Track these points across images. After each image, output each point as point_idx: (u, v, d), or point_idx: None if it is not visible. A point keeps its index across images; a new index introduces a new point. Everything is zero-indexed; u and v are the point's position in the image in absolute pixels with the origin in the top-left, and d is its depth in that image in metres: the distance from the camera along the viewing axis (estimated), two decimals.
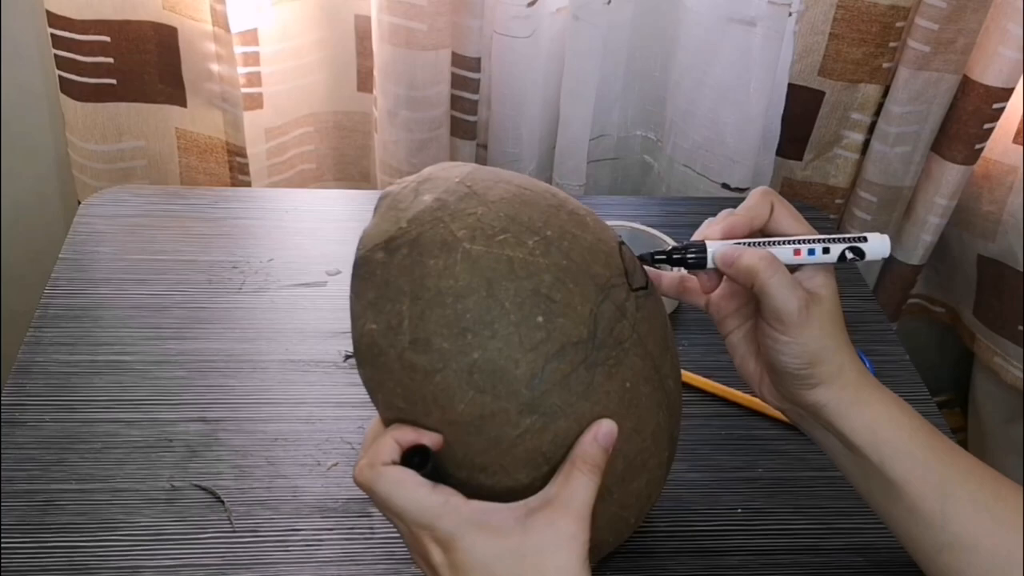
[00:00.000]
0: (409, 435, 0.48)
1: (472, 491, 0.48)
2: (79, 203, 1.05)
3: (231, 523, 0.62)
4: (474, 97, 1.00)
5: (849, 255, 0.54)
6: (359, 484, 0.48)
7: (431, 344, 0.47)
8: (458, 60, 0.98)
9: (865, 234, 0.54)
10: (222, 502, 0.63)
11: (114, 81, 1.00)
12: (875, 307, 0.86)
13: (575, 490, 0.47)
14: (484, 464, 0.48)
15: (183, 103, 1.03)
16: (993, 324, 1.15)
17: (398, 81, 0.97)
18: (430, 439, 0.48)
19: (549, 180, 1.07)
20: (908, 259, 1.14)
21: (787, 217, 0.54)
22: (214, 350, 0.74)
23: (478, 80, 0.99)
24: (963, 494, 0.52)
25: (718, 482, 0.68)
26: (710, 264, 0.53)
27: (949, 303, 1.23)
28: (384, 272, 0.49)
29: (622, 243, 0.54)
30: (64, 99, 1.01)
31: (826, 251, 0.53)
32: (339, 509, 0.63)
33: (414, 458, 0.48)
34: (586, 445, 0.48)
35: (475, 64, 0.98)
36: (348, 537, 0.62)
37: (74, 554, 0.60)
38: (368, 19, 0.98)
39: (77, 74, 0.99)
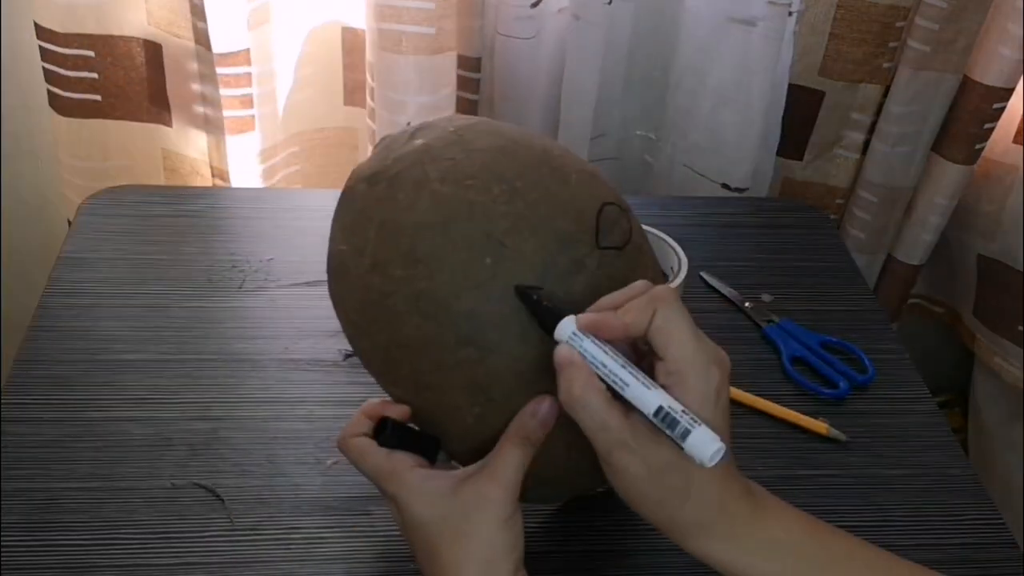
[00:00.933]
0: (376, 409, 0.54)
1: (426, 406, 0.52)
2: (69, 222, 1.04)
3: (231, 521, 0.62)
4: (474, 97, 1.00)
5: (662, 419, 0.45)
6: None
7: (387, 270, 0.51)
8: (460, 61, 0.98)
9: (698, 423, 0.45)
10: (222, 500, 0.63)
11: (99, 97, 0.98)
12: (875, 307, 0.86)
13: (504, 460, 0.49)
14: (429, 383, 0.52)
15: (169, 123, 1.01)
16: (993, 324, 1.15)
17: (405, 89, 0.95)
18: (395, 411, 0.53)
19: None
20: (908, 259, 1.14)
21: (665, 332, 0.47)
22: (214, 349, 0.74)
23: (478, 80, 0.99)
24: None
25: None
26: (555, 336, 0.48)
27: (949, 303, 1.23)
28: (362, 201, 0.54)
29: (611, 204, 0.53)
30: (52, 113, 0.99)
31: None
32: (339, 507, 0.63)
33: (385, 429, 0.53)
34: (524, 418, 0.50)
35: (476, 64, 0.98)
36: (349, 535, 0.62)
37: (74, 553, 0.60)
38: (354, 31, 0.96)
39: (62, 89, 0.97)
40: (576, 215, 0.52)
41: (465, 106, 1.01)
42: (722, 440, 0.45)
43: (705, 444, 0.45)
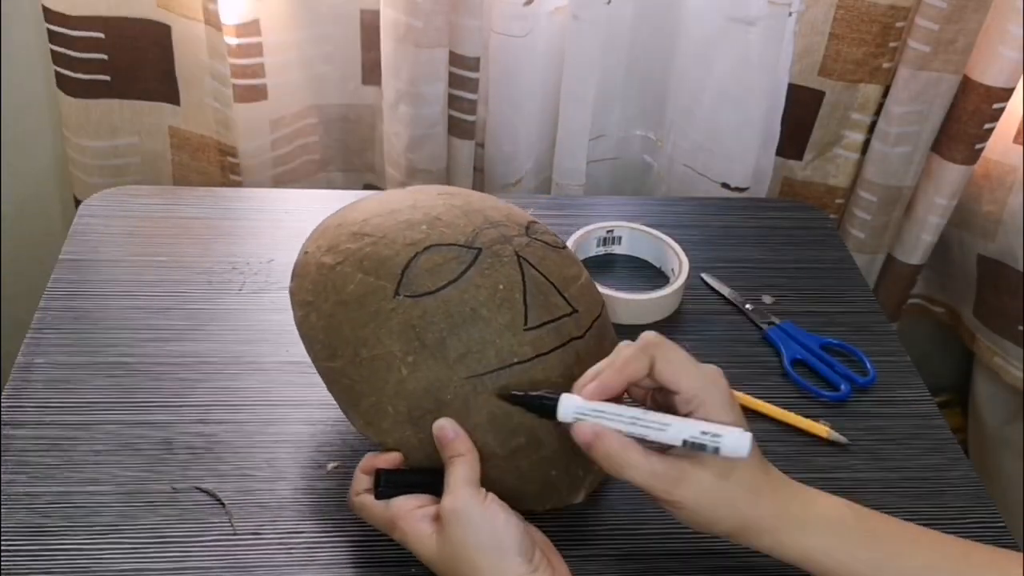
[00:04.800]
0: (370, 463, 0.59)
1: (363, 370, 0.58)
2: (76, 199, 1.06)
3: (232, 526, 0.62)
4: (472, 96, 1.00)
5: (693, 444, 0.52)
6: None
7: (338, 247, 0.61)
8: (456, 59, 0.98)
9: (721, 431, 0.51)
10: (223, 505, 0.63)
11: (108, 78, 1.00)
12: (875, 307, 0.86)
13: (450, 478, 0.55)
14: (366, 338, 0.58)
15: (176, 101, 1.03)
16: (993, 324, 1.15)
17: (397, 75, 0.97)
18: (386, 461, 0.58)
19: (548, 180, 1.07)
20: (908, 259, 1.14)
21: (669, 368, 0.54)
22: (214, 352, 0.74)
23: (476, 79, 0.99)
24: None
25: None
26: (560, 418, 0.54)
27: (949, 303, 1.23)
28: (328, 219, 0.66)
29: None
30: (60, 95, 1.01)
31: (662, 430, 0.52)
32: (341, 511, 0.63)
33: (379, 483, 0.58)
34: (443, 445, 0.56)
35: (474, 63, 0.98)
36: (350, 539, 0.62)
37: (75, 557, 0.60)
38: (372, 13, 0.98)
39: (72, 70, 0.99)
40: (514, 216, 0.64)
41: (464, 105, 1.01)
42: (745, 430, 0.52)
43: (736, 443, 0.51)
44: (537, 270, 0.60)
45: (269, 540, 0.62)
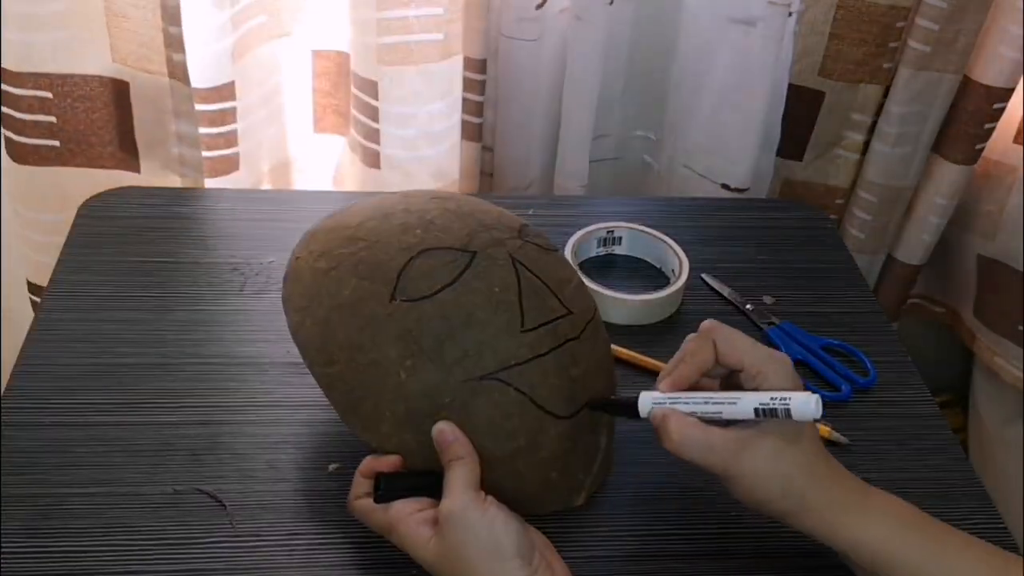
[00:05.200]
0: (370, 466, 0.59)
1: (356, 371, 0.58)
2: (28, 283, 0.97)
3: (233, 527, 0.62)
4: (479, 99, 1.00)
5: (764, 411, 0.54)
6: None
7: (332, 252, 0.61)
8: (466, 63, 0.97)
9: (790, 395, 0.54)
10: (224, 506, 0.63)
11: (57, 143, 0.91)
12: (875, 307, 0.86)
13: (449, 481, 0.55)
14: (362, 343, 0.57)
15: (136, 169, 0.94)
16: (993, 324, 1.15)
17: (415, 101, 0.93)
18: (386, 464, 0.58)
19: (551, 181, 1.07)
20: (908, 259, 1.14)
21: (731, 348, 0.57)
22: (215, 353, 0.74)
23: (483, 82, 0.98)
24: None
25: (718, 482, 0.68)
26: (643, 415, 0.58)
27: (949, 303, 1.23)
28: (320, 224, 0.65)
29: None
30: (7, 161, 0.92)
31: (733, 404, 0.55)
32: (341, 512, 0.63)
33: (379, 487, 0.58)
34: (442, 449, 0.56)
35: (481, 66, 0.97)
36: (351, 540, 0.62)
37: (75, 559, 0.60)
38: (325, 55, 0.92)
39: (16, 133, 0.90)
40: (498, 221, 0.62)
41: (471, 108, 1.00)
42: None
43: (805, 405, 0.53)
44: (532, 272, 0.60)
45: (270, 541, 0.62)
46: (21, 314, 1.00)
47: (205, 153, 0.89)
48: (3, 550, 0.59)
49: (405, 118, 0.95)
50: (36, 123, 0.90)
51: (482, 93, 0.99)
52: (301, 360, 0.75)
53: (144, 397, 0.70)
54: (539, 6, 0.94)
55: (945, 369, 1.30)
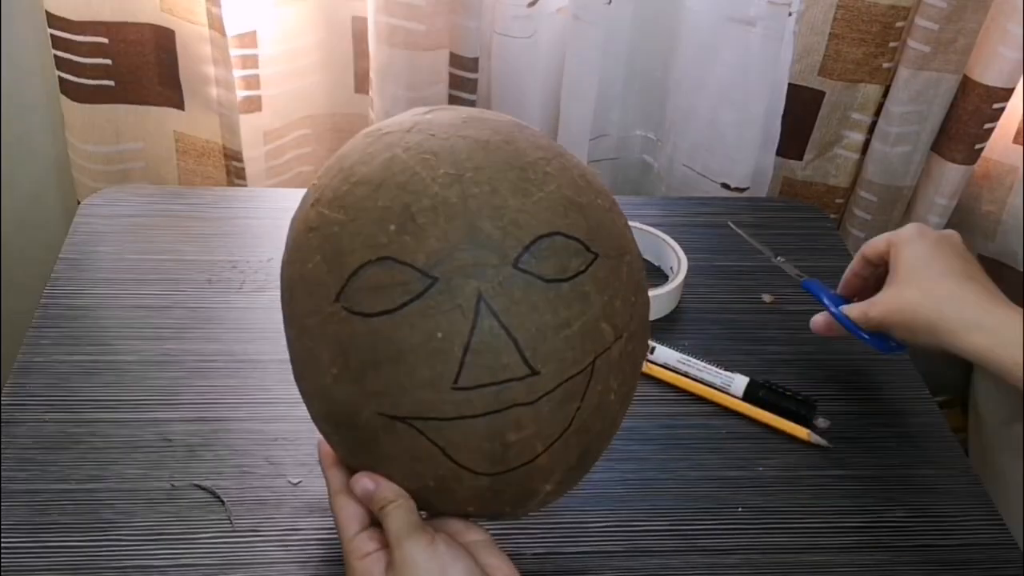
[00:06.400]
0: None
1: (301, 353, 0.54)
2: (79, 203, 1.06)
3: (231, 523, 0.62)
4: (471, 97, 1.00)
5: None
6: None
7: (319, 207, 0.54)
8: (456, 60, 0.98)
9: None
10: (222, 502, 0.63)
11: (112, 83, 1.00)
12: None
13: (388, 527, 0.51)
14: (307, 327, 0.53)
15: (181, 106, 1.03)
16: None
17: (396, 82, 0.97)
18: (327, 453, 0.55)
19: None
20: None
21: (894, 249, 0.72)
22: (214, 350, 0.74)
23: (475, 80, 0.99)
24: None
25: (718, 482, 0.68)
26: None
27: None
28: (348, 147, 0.57)
29: (560, 234, 0.51)
30: (64, 100, 1.01)
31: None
32: None
33: None
34: (369, 500, 0.52)
35: (473, 64, 0.98)
36: None
37: (74, 554, 0.60)
38: (365, 20, 0.98)
39: (75, 75, 0.99)
40: (501, 229, 0.50)
41: (463, 106, 1.01)
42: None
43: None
44: (498, 320, 0.49)
45: (267, 537, 0.62)
46: (21, 314, 1.01)
47: (240, 93, 0.97)
48: (3, 545, 0.60)
49: (391, 97, 0.97)
50: (94, 66, 0.99)
51: (474, 92, 0.99)
52: None
53: (143, 394, 0.70)
54: (531, 3, 0.94)
55: (945, 369, 1.30)
